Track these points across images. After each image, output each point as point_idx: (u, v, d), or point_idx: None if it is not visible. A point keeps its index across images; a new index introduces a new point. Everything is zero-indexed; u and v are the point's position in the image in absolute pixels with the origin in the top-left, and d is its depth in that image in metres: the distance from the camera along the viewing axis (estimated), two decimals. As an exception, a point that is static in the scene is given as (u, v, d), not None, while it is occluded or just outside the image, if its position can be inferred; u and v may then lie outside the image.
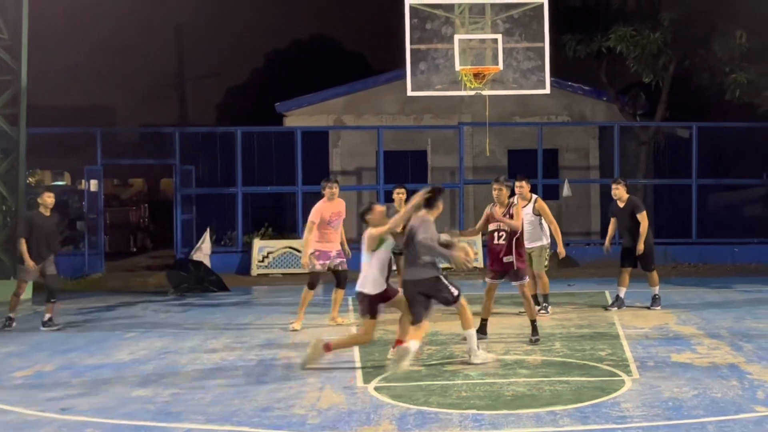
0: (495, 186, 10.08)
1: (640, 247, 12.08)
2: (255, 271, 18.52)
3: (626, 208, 12.32)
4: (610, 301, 12.74)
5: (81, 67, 41.06)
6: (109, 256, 20.55)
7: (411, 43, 12.96)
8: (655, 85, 20.53)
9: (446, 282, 8.67)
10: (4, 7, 15.52)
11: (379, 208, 8.87)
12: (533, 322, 9.91)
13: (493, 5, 13.14)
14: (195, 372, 8.63)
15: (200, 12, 45.88)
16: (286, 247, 18.75)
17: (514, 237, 9.90)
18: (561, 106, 22.45)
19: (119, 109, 44.22)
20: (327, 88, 23.26)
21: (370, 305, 8.57)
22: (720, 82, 19.69)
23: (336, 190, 11.55)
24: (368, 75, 25.41)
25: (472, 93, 13.45)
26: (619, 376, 8.05)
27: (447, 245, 8.63)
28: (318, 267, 11.24)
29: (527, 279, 10.02)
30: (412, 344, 8.24)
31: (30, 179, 18.57)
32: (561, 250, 11.80)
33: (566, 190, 19.88)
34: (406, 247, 8.68)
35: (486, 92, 13.48)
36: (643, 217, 12.13)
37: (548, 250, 12.02)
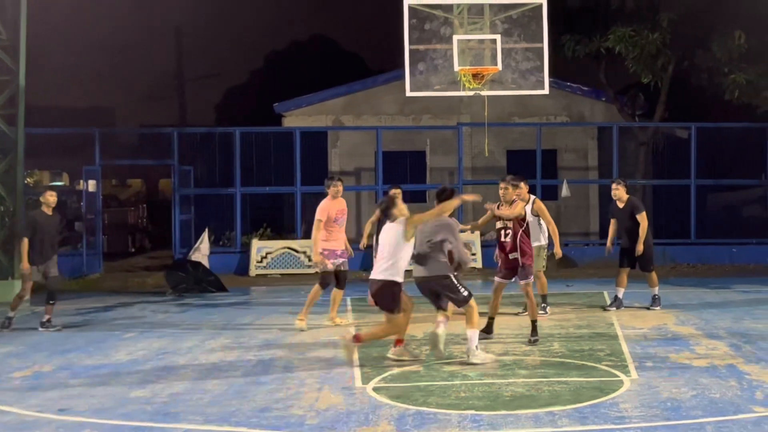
0: (501, 185, 10.22)
1: (639, 247, 12.08)
2: (253, 271, 18.51)
3: (626, 209, 12.32)
4: (608, 302, 12.73)
5: (80, 68, 41.04)
6: (107, 257, 20.54)
7: (410, 44, 12.95)
8: (653, 86, 20.53)
9: (457, 282, 8.77)
10: (3, 6, 15.50)
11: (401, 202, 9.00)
12: (533, 322, 9.91)
13: (491, 6, 13.13)
14: (193, 372, 8.62)
15: (199, 13, 45.85)
16: (284, 248, 18.75)
17: (519, 234, 9.93)
18: (560, 106, 22.45)
19: (118, 110, 44.21)
20: (326, 88, 23.26)
21: (400, 294, 8.67)
22: (719, 83, 19.70)
23: (341, 188, 11.61)
24: (367, 75, 25.41)
25: (471, 93, 13.44)
26: (618, 376, 8.05)
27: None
28: (329, 266, 11.25)
29: (531, 278, 10.02)
30: (441, 327, 8.65)
31: (28, 180, 18.56)
32: (557, 251, 11.81)
33: (565, 191, 19.88)
34: (420, 244, 8.78)
35: (485, 93, 13.47)
36: (642, 218, 12.13)
37: (546, 251, 12.02)
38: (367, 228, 12.35)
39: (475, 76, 12.90)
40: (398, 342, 8.83)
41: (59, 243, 13.02)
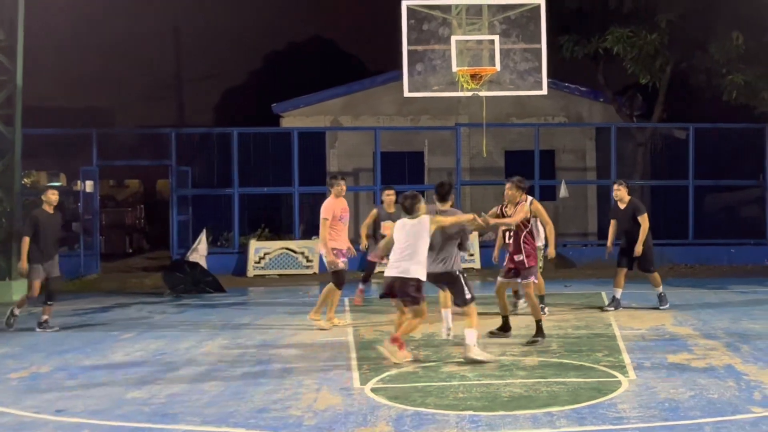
0: (508, 185, 10.32)
1: (639, 248, 12.09)
2: (251, 272, 18.50)
3: (627, 210, 12.33)
4: (606, 302, 12.73)
5: (77, 68, 40.96)
6: (104, 257, 20.52)
7: (408, 44, 12.94)
8: (652, 87, 20.54)
9: (464, 282, 9.04)
10: (0, 7, 15.49)
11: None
12: (538, 322, 9.92)
13: (490, 6, 13.12)
14: (191, 373, 8.60)
15: (198, 13, 45.83)
16: (282, 248, 18.74)
17: (523, 235, 9.98)
18: (558, 107, 22.46)
19: (116, 110, 44.14)
20: (324, 89, 23.26)
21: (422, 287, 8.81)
22: (717, 84, 19.71)
23: (344, 187, 11.63)
24: (365, 76, 25.41)
25: (469, 94, 13.43)
26: (616, 377, 8.04)
27: None
28: (341, 265, 11.25)
29: (532, 279, 10.03)
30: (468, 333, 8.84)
31: (25, 180, 18.54)
32: (551, 251, 11.82)
33: (563, 191, 19.89)
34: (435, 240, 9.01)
35: (483, 93, 13.46)
36: (644, 219, 12.14)
37: (543, 251, 12.03)
38: (364, 230, 12.35)
39: (473, 76, 12.89)
40: (394, 341, 8.80)
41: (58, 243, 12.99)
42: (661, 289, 12.41)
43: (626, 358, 8.89)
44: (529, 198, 11.72)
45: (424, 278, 8.76)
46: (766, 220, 19.94)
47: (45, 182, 27.41)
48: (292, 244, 18.91)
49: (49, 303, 11.47)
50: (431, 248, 8.93)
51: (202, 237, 18.11)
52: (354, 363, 8.85)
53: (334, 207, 11.33)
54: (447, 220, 8.95)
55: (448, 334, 9.90)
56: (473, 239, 18.27)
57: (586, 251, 20.27)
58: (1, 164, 15.50)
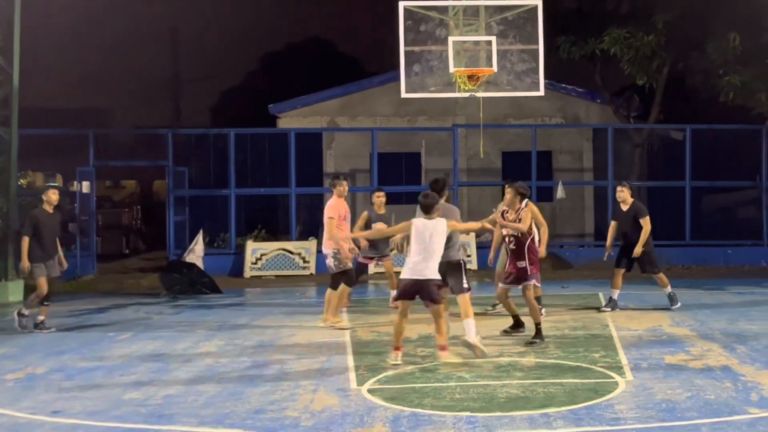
0: (508, 190, 10.34)
1: (638, 250, 12.09)
2: (248, 273, 18.48)
3: (629, 212, 12.33)
4: (603, 303, 12.72)
5: (74, 69, 40.94)
6: (101, 258, 20.48)
7: (405, 45, 12.93)
8: (648, 88, 20.57)
9: (464, 272, 9.39)
10: (-3, 8, 15.48)
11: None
12: (537, 325, 9.92)
13: (487, 7, 13.13)
14: (188, 374, 8.59)
15: (195, 14, 45.83)
16: (279, 249, 18.72)
17: (526, 242, 9.98)
18: (555, 108, 22.47)
19: (113, 111, 44.10)
20: (321, 89, 23.25)
21: None
22: (714, 85, 19.73)
23: (347, 188, 11.66)
24: (362, 77, 25.42)
25: (466, 95, 13.44)
26: (613, 378, 8.04)
27: None
28: (350, 264, 11.25)
29: (531, 282, 10.04)
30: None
31: (22, 181, 18.50)
32: (542, 251, 11.84)
33: (560, 192, 19.89)
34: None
35: (480, 94, 13.48)
36: (646, 222, 12.14)
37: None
38: (357, 233, 12.33)
39: (470, 77, 12.89)
40: (444, 350, 8.75)
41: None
42: (669, 289, 12.41)
43: (623, 359, 8.89)
44: (525, 200, 11.75)
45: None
46: (763, 221, 19.96)
47: (42, 183, 27.40)
48: (289, 245, 18.89)
49: (45, 303, 11.44)
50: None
51: (199, 238, 18.12)
52: (351, 364, 8.85)
53: (338, 207, 11.34)
54: (459, 227, 9.22)
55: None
56: (470, 240, 18.28)
57: (583, 252, 20.27)
58: (-3, 165, 15.49)
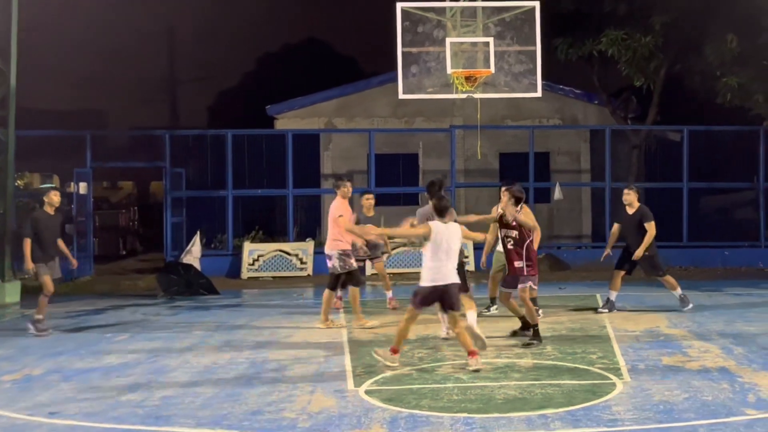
0: (503, 193, 10.31)
1: (639, 253, 12.08)
2: (245, 274, 18.47)
3: (635, 216, 12.32)
4: (601, 304, 12.71)
5: (71, 70, 40.91)
6: (98, 259, 20.47)
7: (402, 46, 12.93)
8: (646, 89, 20.57)
9: (465, 275, 9.80)
10: (-6, 8, 15.46)
11: None
12: (534, 326, 9.93)
13: (484, 9, 13.13)
14: (185, 375, 8.58)
15: (192, 15, 45.83)
16: (276, 251, 18.71)
17: (525, 243, 10.01)
18: (552, 109, 22.48)
19: (110, 112, 44.09)
20: (318, 91, 23.25)
21: None
22: (711, 86, 19.74)
23: (351, 189, 11.73)
24: (360, 78, 25.44)
25: (464, 96, 13.44)
26: (611, 379, 8.04)
27: None
28: (354, 265, 11.26)
29: (528, 283, 10.04)
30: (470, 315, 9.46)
31: (19, 182, 18.48)
32: None
33: (557, 194, 19.89)
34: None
35: (477, 95, 13.47)
36: (651, 227, 12.13)
37: None
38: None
39: (467, 78, 12.88)
40: (394, 352, 8.71)
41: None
42: (679, 290, 12.39)
43: (621, 360, 8.89)
44: (520, 204, 11.77)
45: None
46: (761, 222, 19.98)
47: (38, 184, 27.38)
48: (286, 247, 18.88)
49: (42, 305, 11.42)
50: None
51: (196, 239, 18.11)
52: (348, 365, 8.84)
53: (343, 207, 11.35)
54: (469, 235, 9.28)
55: (447, 334, 9.89)
56: (468, 242, 18.28)
57: (581, 253, 20.28)
58: (-6, 166, 15.46)
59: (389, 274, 13.18)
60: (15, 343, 10.72)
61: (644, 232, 12.10)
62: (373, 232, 10.42)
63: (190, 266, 16.35)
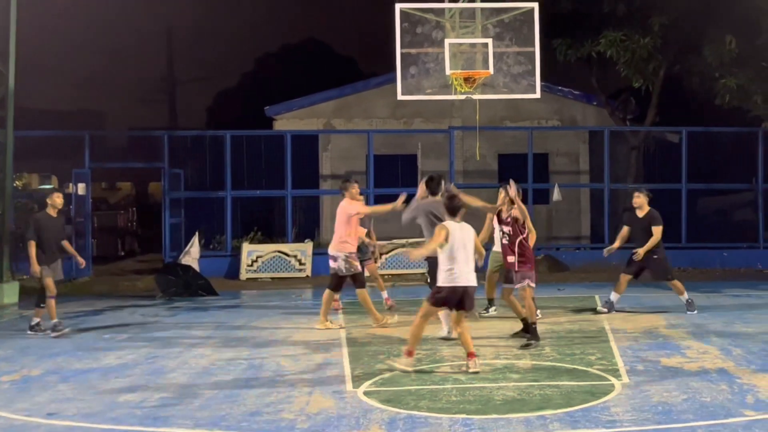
0: (501, 192, 10.44)
1: (641, 253, 12.10)
2: (244, 275, 18.46)
3: (644, 219, 12.33)
4: (598, 307, 12.69)
5: (70, 70, 40.95)
6: (96, 260, 20.45)
7: (401, 47, 12.92)
8: (645, 90, 20.58)
9: None
10: (-8, 9, 15.45)
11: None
12: (532, 324, 9.94)
13: (483, 10, 13.12)
14: (183, 376, 8.57)
15: (190, 15, 45.87)
16: (275, 252, 18.70)
17: (517, 240, 10.06)
18: (551, 110, 22.48)
19: (108, 113, 44.12)
20: (317, 91, 23.24)
21: None
22: (710, 87, 19.76)
23: (358, 189, 11.71)
24: (358, 79, 25.43)
25: (463, 97, 13.42)
26: (609, 380, 8.04)
27: None
28: (359, 268, 11.34)
29: (526, 281, 10.06)
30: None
31: (17, 182, 18.48)
32: None
33: (556, 195, 19.90)
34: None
35: (476, 96, 13.46)
36: (657, 231, 12.14)
37: None
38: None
39: (466, 79, 12.88)
40: (408, 354, 8.65)
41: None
42: (686, 295, 12.36)
43: (619, 361, 8.88)
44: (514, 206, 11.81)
45: None
46: (759, 223, 19.98)
47: (37, 184, 27.39)
48: (285, 248, 18.87)
49: (41, 305, 11.40)
50: None
51: (195, 240, 18.10)
52: (347, 366, 8.83)
53: (358, 204, 11.35)
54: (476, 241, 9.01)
55: (449, 333, 9.89)
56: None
57: (580, 254, 20.29)
58: (-8, 166, 15.45)
59: (389, 275, 13.25)
60: (13, 343, 10.71)
61: (652, 235, 12.13)
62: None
63: (188, 267, 16.35)
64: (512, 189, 10.21)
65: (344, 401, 7.41)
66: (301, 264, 18.65)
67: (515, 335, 10.34)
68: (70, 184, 19.85)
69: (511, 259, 10.12)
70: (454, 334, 9.21)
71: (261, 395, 7.66)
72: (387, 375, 8.40)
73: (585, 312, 12.59)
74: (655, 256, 12.20)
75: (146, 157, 21.47)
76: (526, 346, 9.70)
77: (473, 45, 12.88)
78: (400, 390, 7.80)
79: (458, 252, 8.40)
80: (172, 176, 19.95)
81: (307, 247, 18.86)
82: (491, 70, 12.79)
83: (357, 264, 11.27)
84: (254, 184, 20.70)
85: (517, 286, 10.13)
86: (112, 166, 25.02)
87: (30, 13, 17.67)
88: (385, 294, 12.99)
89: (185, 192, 20.78)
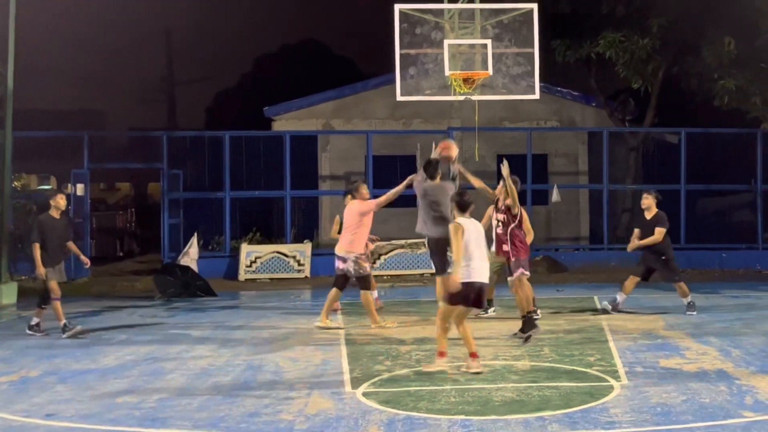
0: (501, 183, 10.62)
1: (634, 243, 12.18)
2: (242, 276, 18.45)
3: (652, 221, 12.36)
4: (599, 306, 12.67)
5: (69, 70, 40.94)
6: (95, 261, 20.39)
7: (400, 48, 12.94)
8: (644, 91, 20.59)
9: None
10: (-9, 9, 15.44)
11: None
12: (529, 313, 10.01)
13: (482, 10, 13.14)
14: (182, 377, 8.56)
15: (190, 16, 45.87)
16: (273, 252, 18.69)
17: (510, 227, 10.25)
18: (550, 111, 22.49)
19: (107, 113, 44.10)
20: (316, 92, 23.24)
21: None
22: (708, 88, 19.77)
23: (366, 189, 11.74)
24: (358, 79, 25.43)
25: (462, 98, 13.44)
26: (608, 381, 8.03)
27: None
28: (369, 269, 11.35)
29: (519, 270, 10.14)
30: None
31: (16, 183, 18.46)
32: None
33: (555, 196, 19.89)
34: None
35: (475, 97, 13.47)
36: (659, 233, 12.18)
37: None
38: (336, 237, 12.33)
39: (465, 80, 12.89)
40: (441, 353, 8.59)
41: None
42: (690, 297, 12.37)
43: (618, 362, 8.88)
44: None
45: None
46: (758, 224, 19.99)
47: (36, 185, 27.37)
48: (284, 248, 18.86)
49: (42, 306, 11.38)
50: (441, 208, 10.30)
51: (194, 240, 18.08)
52: (345, 367, 8.83)
53: (369, 203, 11.35)
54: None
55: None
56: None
57: (579, 255, 20.29)
58: (-9, 167, 15.44)
59: (387, 276, 13.24)
60: (12, 344, 10.69)
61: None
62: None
63: (187, 268, 16.34)
64: (505, 168, 10.31)
65: (343, 402, 7.40)
66: (300, 265, 18.64)
67: (514, 336, 10.35)
68: (69, 185, 19.84)
69: (505, 248, 10.31)
70: (458, 333, 9.23)
71: (260, 396, 7.65)
72: (386, 376, 8.40)
73: (584, 313, 12.58)
74: (664, 257, 12.24)
75: (145, 158, 21.46)
76: (527, 340, 9.74)
77: (472, 46, 12.90)
78: (399, 391, 7.80)
79: (473, 248, 8.38)
80: (171, 177, 19.94)
81: (306, 247, 18.85)
82: (490, 71, 12.80)
83: (366, 266, 11.27)
84: (253, 185, 20.70)
85: (513, 276, 10.20)
86: (111, 166, 25.03)
87: (30, 13, 17.66)
88: (375, 294, 12.97)
89: (184, 192, 20.77)
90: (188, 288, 15.47)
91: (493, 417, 6.83)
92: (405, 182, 11.20)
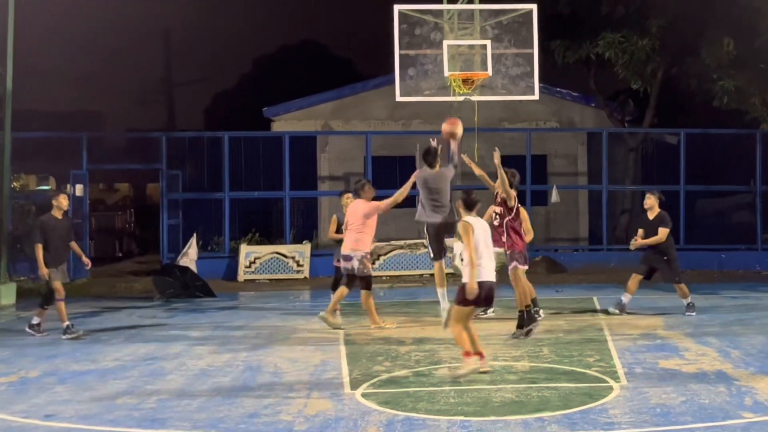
0: (497, 184, 10.90)
1: (637, 242, 12.19)
2: (242, 276, 18.45)
3: (654, 221, 12.38)
4: (598, 307, 12.68)
5: (68, 71, 40.91)
6: (94, 261, 20.31)
7: (400, 49, 12.94)
8: (643, 92, 20.61)
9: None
10: (-10, 10, 15.44)
11: None
12: (526, 307, 10.01)
13: (482, 11, 13.14)
14: (181, 378, 8.56)
15: (188, 16, 45.84)
16: (273, 253, 18.69)
17: (506, 219, 10.36)
18: (550, 112, 22.49)
19: (106, 114, 44.08)
20: (315, 93, 23.23)
21: None
22: (708, 89, 19.78)
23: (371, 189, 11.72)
24: (357, 80, 25.41)
25: (461, 99, 13.44)
26: (607, 382, 8.03)
27: None
28: (371, 271, 11.38)
29: (513, 263, 10.19)
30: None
31: (15, 184, 18.45)
32: None
33: (554, 196, 19.90)
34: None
35: (475, 98, 13.48)
36: (662, 233, 12.20)
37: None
38: (334, 237, 12.33)
39: (465, 81, 12.89)
40: (468, 354, 8.39)
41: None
42: (689, 299, 12.38)
43: (617, 363, 8.87)
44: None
45: None
46: (757, 225, 20.00)
47: (34, 186, 27.34)
48: (283, 249, 18.87)
49: (44, 307, 11.37)
50: (441, 195, 10.74)
51: (193, 241, 18.08)
52: (345, 368, 8.82)
53: (373, 203, 11.35)
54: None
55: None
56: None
57: (578, 256, 20.31)
58: (-10, 167, 15.44)
59: (387, 276, 13.25)
60: (11, 345, 10.69)
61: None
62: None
63: (186, 269, 16.33)
64: (496, 156, 10.36)
65: (342, 403, 7.39)
66: (299, 265, 18.64)
67: (513, 336, 10.35)
68: (68, 186, 19.84)
69: (502, 239, 10.36)
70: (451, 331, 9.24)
71: (259, 397, 7.65)
72: (385, 377, 8.40)
73: (583, 314, 12.59)
74: (666, 258, 12.25)
75: (144, 159, 21.47)
76: (527, 334, 9.77)
77: (472, 46, 12.91)
78: (398, 392, 7.79)
79: (482, 247, 8.29)
80: (170, 177, 19.94)
81: (305, 248, 18.85)
82: (490, 72, 12.81)
83: (370, 266, 11.29)
84: (252, 186, 20.69)
85: (509, 268, 10.25)
86: (110, 167, 25.02)
87: (29, 13, 17.65)
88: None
89: (183, 193, 20.76)
90: (187, 289, 15.47)
91: (493, 418, 6.83)
92: (410, 181, 11.19)
